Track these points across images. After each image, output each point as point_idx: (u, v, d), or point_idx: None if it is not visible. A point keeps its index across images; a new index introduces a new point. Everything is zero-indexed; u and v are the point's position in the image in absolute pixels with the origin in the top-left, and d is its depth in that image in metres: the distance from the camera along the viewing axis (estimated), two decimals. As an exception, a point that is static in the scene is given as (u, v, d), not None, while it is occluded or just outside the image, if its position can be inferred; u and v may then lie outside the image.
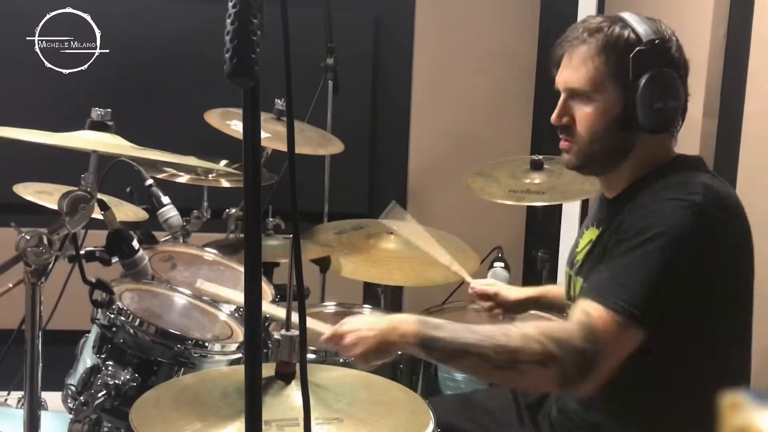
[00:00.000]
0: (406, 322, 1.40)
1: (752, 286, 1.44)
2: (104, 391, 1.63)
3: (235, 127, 2.47)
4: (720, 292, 1.38)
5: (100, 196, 1.41)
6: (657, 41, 1.40)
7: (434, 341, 1.35)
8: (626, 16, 1.45)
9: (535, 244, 3.30)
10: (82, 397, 1.64)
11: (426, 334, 1.36)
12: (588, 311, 1.31)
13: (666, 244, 1.31)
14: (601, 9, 3.05)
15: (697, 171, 1.44)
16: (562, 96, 1.49)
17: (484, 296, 1.91)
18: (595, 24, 1.45)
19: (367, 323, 1.45)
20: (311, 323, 1.53)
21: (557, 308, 1.85)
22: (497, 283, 1.94)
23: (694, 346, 1.39)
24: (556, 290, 1.87)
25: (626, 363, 1.32)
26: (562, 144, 1.51)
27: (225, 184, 2.79)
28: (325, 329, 1.49)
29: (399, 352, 1.54)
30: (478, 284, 1.93)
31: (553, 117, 1.49)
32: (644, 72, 1.38)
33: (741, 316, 1.44)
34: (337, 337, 1.44)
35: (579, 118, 1.46)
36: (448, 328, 1.37)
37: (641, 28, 1.41)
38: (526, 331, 1.33)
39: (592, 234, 1.54)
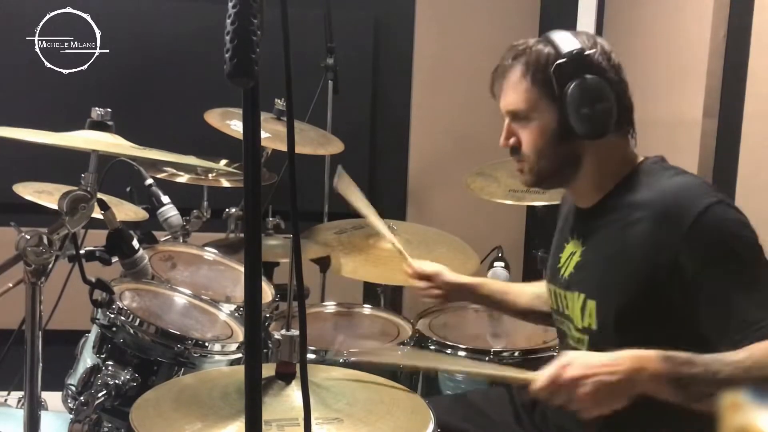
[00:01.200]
0: (650, 360, 1.28)
1: None
2: (104, 391, 1.63)
3: (235, 127, 2.46)
4: None
5: (100, 195, 1.41)
6: (575, 52, 1.43)
7: (690, 379, 1.26)
8: (552, 33, 1.49)
9: (535, 244, 3.29)
10: (82, 397, 1.64)
11: (679, 373, 1.27)
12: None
13: (755, 245, 1.35)
14: (601, 9, 3.05)
15: (676, 170, 1.48)
16: (506, 120, 1.54)
17: (423, 277, 1.90)
18: (519, 47, 1.50)
19: (600, 364, 1.29)
20: (514, 372, 1.48)
21: (492, 302, 1.89)
22: (436, 265, 1.91)
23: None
24: (493, 284, 1.91)
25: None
26: (516, 166, 1.57)
27: (225, 184, 2.79)
28: (529, 376, 1.36)
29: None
30: (416, 264, 1.92)
31: (501, 141, 1.56)
32: (567, 82, 1.42)
33: None
34: (560, 384, 1.30)
35: (523, 138, 1.52)
36: (698, 362, 1.27)
37: (562, 43, 1.45)
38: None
39: (574, 247, 1.55)
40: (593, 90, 1.42)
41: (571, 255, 1.55)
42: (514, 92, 1.50)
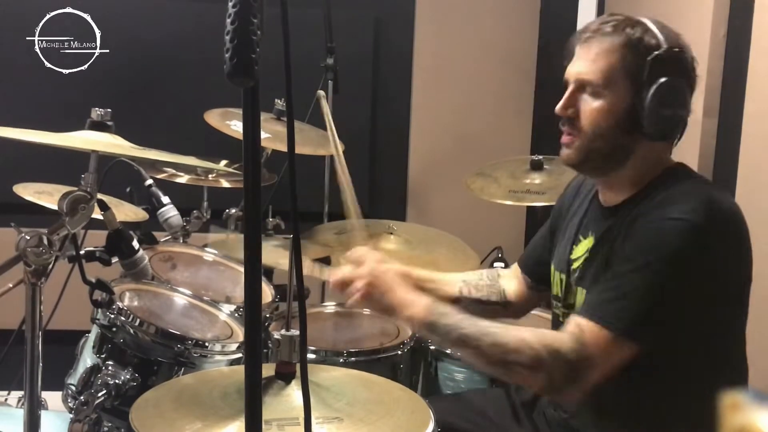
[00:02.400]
0: (417, 305, 1.49)
1: (749, 292, 1.45)
2: (104, 391, 1.64)
3: (235, 127, 2.46)
4: (719, 309, 1.40)
5: (100, 196, 1.41)
6: (676, 49, 1.41)
7: (437, 327, 1.45)
8: (648, 20, 1.45)
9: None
10: (82, 397, 1.64)
11: (431, 321, 1.46)
12: (582, 326, 1.36)
13: (664, 267, 1.34)
14: (601, 9, 3.05)
15: (697, 182, 1.45)
16: (571, 87, 1.47)
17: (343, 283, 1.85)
18: (618, 21, 1.44)
19: (383, 282, 1.55)
20: (314, 268, 1.69)
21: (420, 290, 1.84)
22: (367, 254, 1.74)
23: (690, 356, 1.41)
24: (420, 272, 1.80)
25: (620, 371, 1.35)
26: (564, 138, 1.49)
27: (225, 184, 2.79)
28: (328, 274, 1.63)
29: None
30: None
31: (559, 107, 1.48)
32: (658, 77, 1.38)
33: (738, 325, 1.47)
34: (348, 282, 1.57)
35: (585, 112, 1.44)
36: (453, 318, 1.44)
37: (662, 35, 1.41)
38: (524, 335, 1.38)
39: (589, 242, 1.54)
40: (679, 94, 1.40)
41: (585, 250, 1.54)
42: (597, 62, 1.42)
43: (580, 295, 1.51)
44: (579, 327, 1.36)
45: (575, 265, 1.55)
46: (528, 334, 1.38)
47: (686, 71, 1.42)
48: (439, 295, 1.81)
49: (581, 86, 1.45)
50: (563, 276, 1.59)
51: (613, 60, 1.41)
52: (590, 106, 1.43)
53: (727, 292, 1.41)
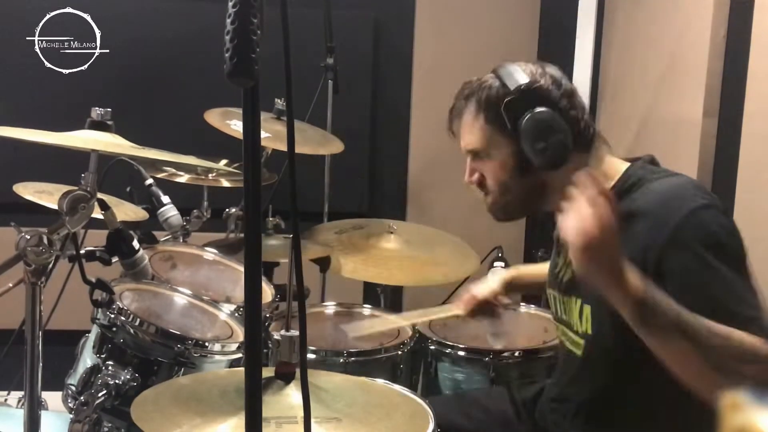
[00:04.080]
0: (634, 275, 1.22)
1: None
2: (104, 391, 1.63)
3: (235, 127, 2.46)
4: None
5: (100, 195, 1.41)
6: (523, 86, 1.44)
7: (658, 306, 1.21)
8: (501, 68, 1.50)
9: (535, 244, 3.30)
10: (82, 397, 1.64)
11: (651, 296, 1.22)
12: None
13: (738, 251, 1.32)
14: (601, 9, 3.05)
15: (666, 172, 1.46)
16: (468, 158, 1.57)
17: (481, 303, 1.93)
18: (472, 85, 1.53)
19: (604, 244, 1.20)
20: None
21: (536, 287, 1.89)
22: (484, 287, 1.94)
23: None
24: (527, 270, 1.93)
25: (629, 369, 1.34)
26: (484, 199, 1.58)
27: (225, 183, 2.79)
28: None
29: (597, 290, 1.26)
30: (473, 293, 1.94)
31: (465, 178, 1.59)
32: (518, 118, 1.43)
33: None
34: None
35: (486, 174, 1.54)
36: (672, 302, 1.23)
37: (509, 78, 1.46)
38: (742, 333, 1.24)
39: None
40: (545, 123, 1.43)
41: (569, 261, 1.54)
42: (470, 132, 1.53)
43: (573, 305, 1.50)
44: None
45: (561, 276, 1.56)
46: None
47: (545, 98, 1.44)
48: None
49: (474, 155, 1.55)
50: (552, 291, 1.61)
51: (479, 124, 1.51)
52: (487, 168, 1.54)
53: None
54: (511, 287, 1.94)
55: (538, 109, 1.42)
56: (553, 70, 1.49)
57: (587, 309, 1.47)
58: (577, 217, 1.22)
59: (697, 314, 1.24)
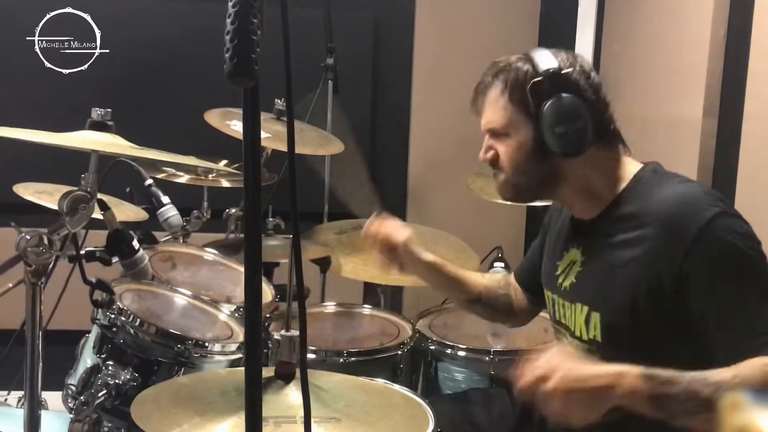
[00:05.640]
0: (629, 375, 1.25)
1: None
2: (104, 391, 1.64)
3: (235, 127, 2.46)
4: None
5: (100, 196, 1.41)
6: (551, 71, 1.44)
7: (669, 399, 1.24)
8: (533, 51, 1.49)
9: (535, 244, 3.29)
10: (82, 397, 1.64)
11: (658, 392, 1.24)
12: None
13: (760, 256, 1.34)
14: (601, 9, 3.05)
15: (679, 178, 1.46)
16: (486, 136, 1.57)
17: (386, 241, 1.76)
18: (500, 65, 1.52)
19: (573, 374, 1.27)
20: None
21: (444, 285, 1.80)
22: (402, 230, 1.77)
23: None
24: (451, 267, 1.79)
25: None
26: (494, 176, 1.58)
27: (225, 184, 2.79)
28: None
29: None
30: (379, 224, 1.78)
31: (480, 154, 1.58)
32: (543, 101, 1.43)
33: None
34: (534, 386, 1.28)
35: (501, 153, 1.53)
36: (679, 381, 1.25)
37: (540, 62, 1.46)
38: (750, 369, 1.26)
39: (574, 257, 1.54)
40: (568, 109, 1.43)
41: (571, 265, 1.54)
42: (493, 110, 1.52)
43: (577, 312, 1.50)
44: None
45: (562, 281, 1.56)
46: (751, 366, 1.26)
47: (572, 86, 1.44)
48: (461, 293, 1.82)
49: (492, 133, 1.55)
50: (550, 294, 1.60)
51: (503, 103, 1.50)
52: (503, 147, 1.52)
53: None
54: (427, 266, 1.77)
55: (564, 95, 1.43)
56: (583, 61, 1.49)
57: (596, 316, 1.45)
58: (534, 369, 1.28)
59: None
